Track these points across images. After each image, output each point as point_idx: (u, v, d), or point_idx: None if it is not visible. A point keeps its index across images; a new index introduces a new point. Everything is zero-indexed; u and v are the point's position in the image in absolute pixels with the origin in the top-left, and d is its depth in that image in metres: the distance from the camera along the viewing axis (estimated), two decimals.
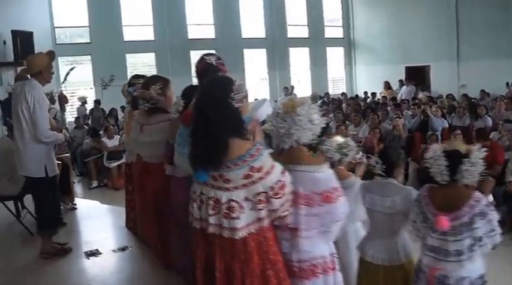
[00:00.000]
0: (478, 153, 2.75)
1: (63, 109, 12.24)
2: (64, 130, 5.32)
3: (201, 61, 3.08)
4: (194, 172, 2.26)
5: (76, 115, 12.69)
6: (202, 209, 2.27)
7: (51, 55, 4.15)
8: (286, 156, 2.51)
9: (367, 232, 3.47)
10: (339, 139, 3.71)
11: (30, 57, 4.22)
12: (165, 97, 3.59)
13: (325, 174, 2.46)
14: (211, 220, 2.22)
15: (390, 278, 3.25)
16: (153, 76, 3.90)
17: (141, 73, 4.82)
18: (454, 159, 2.74)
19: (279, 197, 2.20)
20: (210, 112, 2.20)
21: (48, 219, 4.20)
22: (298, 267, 2.49)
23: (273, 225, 2.36)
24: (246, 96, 2.33)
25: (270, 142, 3.16)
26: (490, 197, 2.96)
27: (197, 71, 3.12)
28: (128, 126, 4.30)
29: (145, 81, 3.69)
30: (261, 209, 2.19)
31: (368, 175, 3.64)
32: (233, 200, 2.18)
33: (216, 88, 2.29)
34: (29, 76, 4.16)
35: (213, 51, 16.53)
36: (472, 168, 2.70)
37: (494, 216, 2.70)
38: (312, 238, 2.47)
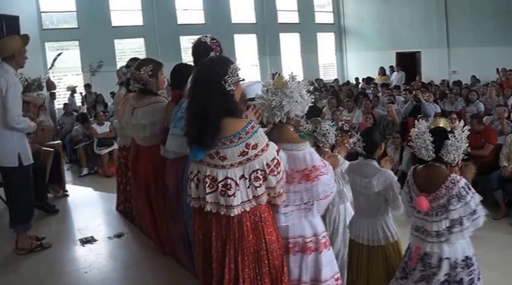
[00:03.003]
0: (461, 131, 2.83)
1: (53, 97, 12.14)
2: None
3: (197, 40, 3.18)
4: (190, 151, 2.29)
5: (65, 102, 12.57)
6: (200, 188, 2.31)
7: (24, 39, 3.98)
8: (273, 135, 2.56)
9: (354, 211, 3.63)
10: (317, 123, 3.75)
11: (2, 40, 4.06)
12: (156, 79, 3.64)
13: (303, 152, 2.50)
14: (208, 198, 2.26)
15: (371, 257, 3.38)
16: (147, 58, 3.93)
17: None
18: (439, 135, 2.83)
19: (275, 175, 2.25)
20: (202, 93, 2.23)
21: (22, 213, 3.99)
22: None
23: (271, 205, 2.41)
24: (241, 80, 2.35)
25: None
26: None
27: (192, 51, 3.20)
28: (122, 108, 4.26)
29: (138, 63, 3.74)
30: (258, 187, 2.24)
31: (352, 155, 3.75)
32: (229, 178, 2.22)
33: (210, 69, 2.29)
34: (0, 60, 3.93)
35: None
36: (457, 143, 2.78)
37: (474, 199, 2.73)
38: (290, 215, 2.53)
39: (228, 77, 2.23)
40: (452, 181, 2.75)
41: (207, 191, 2.25)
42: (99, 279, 3.52)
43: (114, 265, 3.79)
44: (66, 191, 5.76)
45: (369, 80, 15.52)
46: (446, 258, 2.79)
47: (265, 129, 2.70)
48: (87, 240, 4.20)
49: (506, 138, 6.83)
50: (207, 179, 2.25)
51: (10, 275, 3.63)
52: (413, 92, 10.24)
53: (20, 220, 3.98)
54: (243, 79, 2.41)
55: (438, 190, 2.76)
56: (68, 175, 9.06)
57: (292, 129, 2.65)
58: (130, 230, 4.40)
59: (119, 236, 4.29)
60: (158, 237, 3.84)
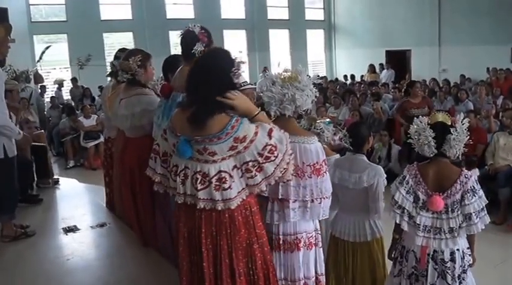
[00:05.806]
0: (462, 124, 2.77)
1: (43, 91, 12.09)
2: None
3: (185, 30, 3.09)
4: (178, 149, 2.17)
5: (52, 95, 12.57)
6: (187, 184, 2.18)
7: (7, 28, 3.85)
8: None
9: (338, 208, 3.52)
10: (312, 120, 3.70)
11: None
12: (144, 70, 3.59)
13: (315, 146, 2.46)
14: (201, 194, 2.15)
15: (356, 254, 3.38)
16: (135, 49, 3.88)
17: None
18: (441, 129, 2.76)
19: (272, 160, 2.14)
20: (211, 78, 2.16)
21: (7, 204, 3.94)
22: (283, 239, 2.53)
23: (257, 198, 2.34)
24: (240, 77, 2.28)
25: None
26: (477, 171, 2.97)
27: (181, 41, 3.11)
28: (110, 100, 4.24)
29: (127, 53, 3.70)
30: (250, 178, 2.14)
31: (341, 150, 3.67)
32: (222, 171, 2.12)
33: (220, 58, 2.25)
34: None
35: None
36: (459, 137, 2.73)
37: (482, 193, 2.73)
38: (298, 211, 2.48)
39: (235, 69, 2.21)
40: (466, 175, 2.72)
41: (198, 188, 2.14)
42: (81, 266, 3.54)
43: (96, 253, 3.82)
44: (57, 179, 5.79)
45: (353, 78, 15.64)
46: (457, 249, 2.77)
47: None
48: (70, 229, 4.22)
49: (493, 136, 6.93)
50: (197, 176, 2.15)
51: None
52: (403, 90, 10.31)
53: (4, 211, 3.96)
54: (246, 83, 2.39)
55: (453, 186, 2.72)
56: (55, 168, 9.06)
57: (296, 122, 2.61)
58: (112, 221, 4.42)
59: (101, 225, 4.30)
60: (141, 229, 3.81)
